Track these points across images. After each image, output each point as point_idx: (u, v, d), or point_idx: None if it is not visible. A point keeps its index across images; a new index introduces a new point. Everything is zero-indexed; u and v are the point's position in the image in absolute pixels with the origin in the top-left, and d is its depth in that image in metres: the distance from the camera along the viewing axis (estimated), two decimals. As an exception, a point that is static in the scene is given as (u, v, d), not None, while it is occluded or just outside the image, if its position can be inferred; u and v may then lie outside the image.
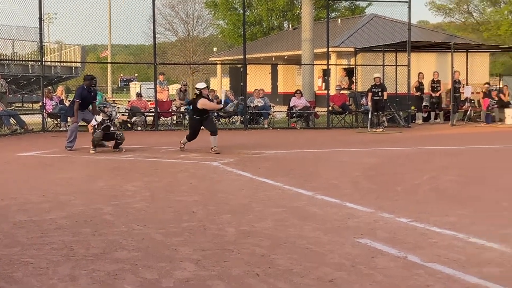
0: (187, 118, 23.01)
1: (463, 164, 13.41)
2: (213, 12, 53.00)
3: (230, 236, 6.95)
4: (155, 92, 22.51)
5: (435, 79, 25.59)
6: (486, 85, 26.07)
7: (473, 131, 22.06)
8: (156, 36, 23.52)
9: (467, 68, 27.19)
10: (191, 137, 15.18)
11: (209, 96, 15.05)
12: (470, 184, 10.80)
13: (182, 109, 23.55)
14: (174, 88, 30.91)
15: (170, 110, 23.42)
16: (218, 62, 43.74)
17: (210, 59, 46.77)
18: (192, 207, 8.56)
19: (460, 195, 9.64)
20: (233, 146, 16.00)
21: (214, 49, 50.61)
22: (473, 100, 26.20)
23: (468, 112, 25.35)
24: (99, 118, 15.00)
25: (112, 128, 15.28)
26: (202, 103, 14.82)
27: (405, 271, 5.69)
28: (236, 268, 5.77)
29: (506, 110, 24.52)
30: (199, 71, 52.28)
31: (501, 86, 28.40)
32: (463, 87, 25.33)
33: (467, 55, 27.63)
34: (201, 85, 15.32)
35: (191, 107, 15.90)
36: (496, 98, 25.12)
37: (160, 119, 22.92)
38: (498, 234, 6.98)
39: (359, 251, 6.34)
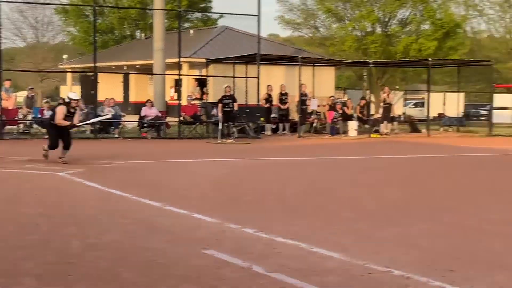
0: (34, 127, 22.44)
1: (308, 175, 13.86)
2: (64, 18, 51.70)
3: (75, 249, 6.81)
4: (0, 99, 21.66)
5: (283, 92, 26.32)
6: (331, 98, 27.11)
7: (319, 142, 22.85)
8: (3, 41, 22.72)
9: (313, 81, 28.15)
10: (52, 146, 14.39)
11: (76, 109, 14.64)
12: (314, 194, 11.18)
13: (29, 117, 22.83)
14: (22, 95, 29.88)
15: (16, 118, 22.64)
16: (68, 70, 42.72)
17: (60, 66, 45.60)
18: (36, 219, 8.32)
19: (304, 206, 9.94)
20: (82, 156, 15.64)
21: (64, 56, 49.38)
22: (319, 112, 27.17)
23: (314, 124, 26.28)
24: None
25: None
26: (58, 111, 14.48)
27: (249, 281, 5.80)
28: (80, 282, 5.67)
29: (349, 123, 25.60)
30: (49, 78, 50.81)
31: (345, 99, 29.63)
32: (310, 99, 26.20)
33: (313, 69, 28.61)
34: (74, 95, 14.87)
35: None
36: (341, 111, 26.17)
37: (6, 128, 22.09)
38: (339, 243, 7.27)
39: (205, 262, 6.40)
